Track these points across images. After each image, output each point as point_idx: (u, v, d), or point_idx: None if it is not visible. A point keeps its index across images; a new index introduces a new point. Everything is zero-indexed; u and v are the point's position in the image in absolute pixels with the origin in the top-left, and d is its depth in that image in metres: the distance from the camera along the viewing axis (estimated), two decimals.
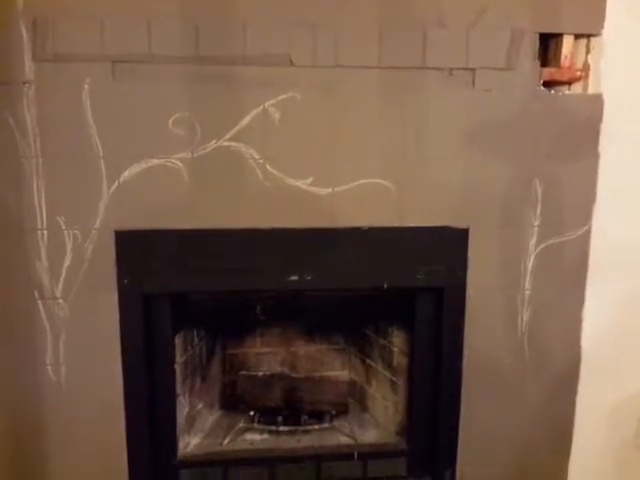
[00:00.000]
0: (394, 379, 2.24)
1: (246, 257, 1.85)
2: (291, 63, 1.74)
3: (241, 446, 2.18)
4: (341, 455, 2.13)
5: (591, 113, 1.87)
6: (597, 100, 1.87)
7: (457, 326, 1.96)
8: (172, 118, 1.73)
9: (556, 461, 2.10)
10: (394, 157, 1.84)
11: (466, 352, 1.97)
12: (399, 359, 2.20)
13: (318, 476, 2.08)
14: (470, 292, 1.94)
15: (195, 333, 2.24)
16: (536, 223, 1.92)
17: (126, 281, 1.80)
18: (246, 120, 1.76)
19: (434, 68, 1.79)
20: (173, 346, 1.99)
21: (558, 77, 1.88)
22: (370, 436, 2.26)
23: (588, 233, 1.94)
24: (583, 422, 2.06)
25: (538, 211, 1.91)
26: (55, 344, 1.82)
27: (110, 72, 1.70)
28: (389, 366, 2.27)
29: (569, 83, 1.92)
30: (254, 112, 1.76)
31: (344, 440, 2.22)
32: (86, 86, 1.69)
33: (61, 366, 1.83)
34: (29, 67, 1.67)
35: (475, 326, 1.95)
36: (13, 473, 1.89)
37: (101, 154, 1.73)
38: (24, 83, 1.67)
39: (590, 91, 1.89)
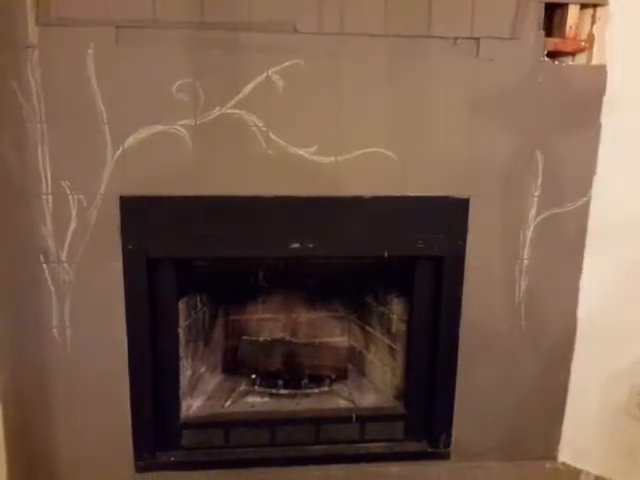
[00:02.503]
0: (392, 345, 2.28)
1: (249, 224, 1.87)
2: (295, 30, 1.73)
3: (242, 408, 2.22)
4: (340, 418, 2.17)
5: (594, 84, 1.87)
6: (601, 71, 1.86)
7: (455, 294, 1.99)
8: (176, 84, 1.73)
9: (550, 427, 2.15)
10: (397, 126, 1.84)
11: (463, 320, 2.00)
12: (398, 326, 2.24)
13: (317, 438, 2.13)
14: (469, 261, 1.96)
15: (198, 299, 2.27)
16: (536, 194, 1.93)
17: (131, 246, 1.82)
18: (250, 87, 1.76)
19: (439, 37, 1.78)
20: (177, 311, 2.01)
21: (562, 48, 1.87)
22: (368, 400, 2.31)
23: (587, 204, 1.96)
24: (577, 389, 2.10)
25: (539, 182, 1.92)
26: (60, 307, 1.85)
27: (114, 37, 1.69)
28: (388, 333, 2.31)
29: (573, 54, 1.91)
30: (258, 79, 1.75)
31: (343, 404, 2.27)
32: (90, 51, 1.68)
33: (66, 329, 1.86)
34: (32, 31, 1.66)
35: (473, 294, 1.98)
36: (18, 433, 1.93)
37: (105, 119, 1.73)
38: (27, 47, 1.66)
39: (594, 62, 1.88)
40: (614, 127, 1.89)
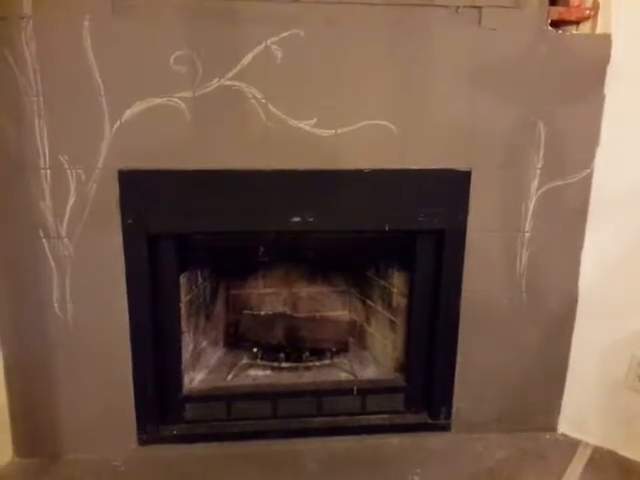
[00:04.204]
0: (393, 319, 2.28)
1: (248, 198, 1.86)
2: None
3: (244, 381, 2.24)
4: (341, 390, 2.18)
5: (598, 54, 1.84)
6: (605, 40, 1.83)
7: (456, 267, 1.99)
8: (173, 56, 1.71)
9: (550, 398, 2.16)
10: (398, 98, 1.82)
11: (464, 293, 2.01)
12: (398, 300, 2.24)
13: (318, 410, 2.15)
14: (470, 234, 1.95)
15: (199, 273, 2.27)
16: (539, 166, 1.91)
17: (130, 221, 1.81)
18: (248, 58, 1.73)
19: (440, 5, 1.75)
20: (178, 285, 2.01)
21: (566, 16, 1.84)
22: (369, 373, 2.33)
23: (590, 176, 1.94)
24: (577, 361, 2.11)
25: (541, 154, 1.90)
26: (61, 283, 1.85)
27: (110, 7, 1.65)
28: (389, 306, 2.31)
29: (577, 23, 1.88)
30: (256, 50, 1.73)
31: (344, 376, 2.29)
32: (86, 22, 1.65)
33: (68, 304, 1.87)
34: (26, 1, 1.63)
35: (474, 267, 1.98)
36: (22, 408, 1.95)
37: (103, 92, 1.71)
38: (22, 18, 1.63)
39: (598, 31, 1.85)
40: (618, 98, 1.86)
